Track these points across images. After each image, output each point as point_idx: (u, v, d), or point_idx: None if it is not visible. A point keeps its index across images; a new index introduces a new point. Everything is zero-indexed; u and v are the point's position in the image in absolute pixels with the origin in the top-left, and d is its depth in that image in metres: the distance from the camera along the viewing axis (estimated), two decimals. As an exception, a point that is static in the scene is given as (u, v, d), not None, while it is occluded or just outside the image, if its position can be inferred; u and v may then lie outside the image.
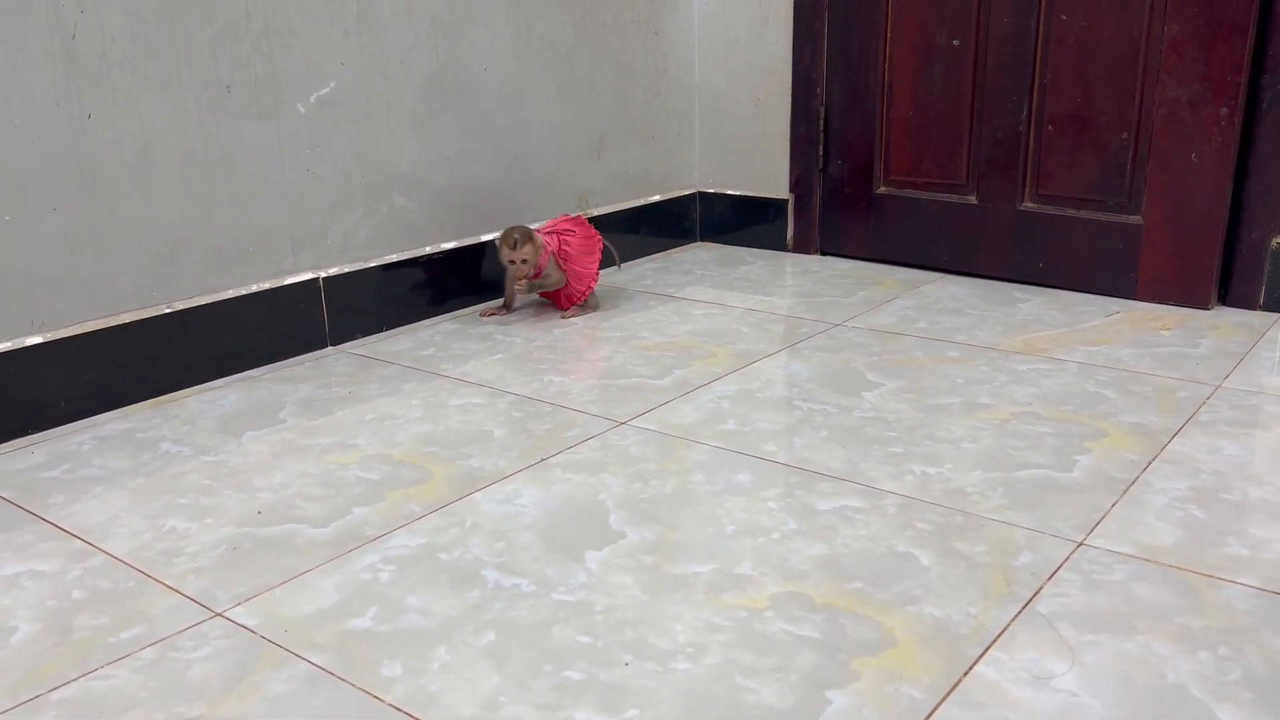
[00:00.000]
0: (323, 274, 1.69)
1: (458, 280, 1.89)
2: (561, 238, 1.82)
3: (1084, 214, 1.92)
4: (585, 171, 2.13)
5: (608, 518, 1.12)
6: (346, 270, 1.72)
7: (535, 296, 1.93)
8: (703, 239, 2.44)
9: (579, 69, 2.07)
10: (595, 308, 1.90)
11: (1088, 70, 1.86)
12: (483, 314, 1.86)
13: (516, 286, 1.81)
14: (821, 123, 2.20)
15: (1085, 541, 1.06)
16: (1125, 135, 1.84)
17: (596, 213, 2.16)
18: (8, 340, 1.35)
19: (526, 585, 0.99)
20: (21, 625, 0.95)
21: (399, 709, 0.82)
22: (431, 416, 1.41)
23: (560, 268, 1.81)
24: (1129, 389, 1.46)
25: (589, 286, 1.86)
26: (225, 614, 0.96)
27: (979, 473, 1.21)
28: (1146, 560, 1.02)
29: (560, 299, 1.88)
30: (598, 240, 1.86)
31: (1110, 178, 1.88)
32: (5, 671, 0.88)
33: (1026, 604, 0.95)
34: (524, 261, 1.75)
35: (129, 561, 1.05)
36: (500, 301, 1.91)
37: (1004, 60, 1.94)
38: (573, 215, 1.89)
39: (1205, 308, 1.81)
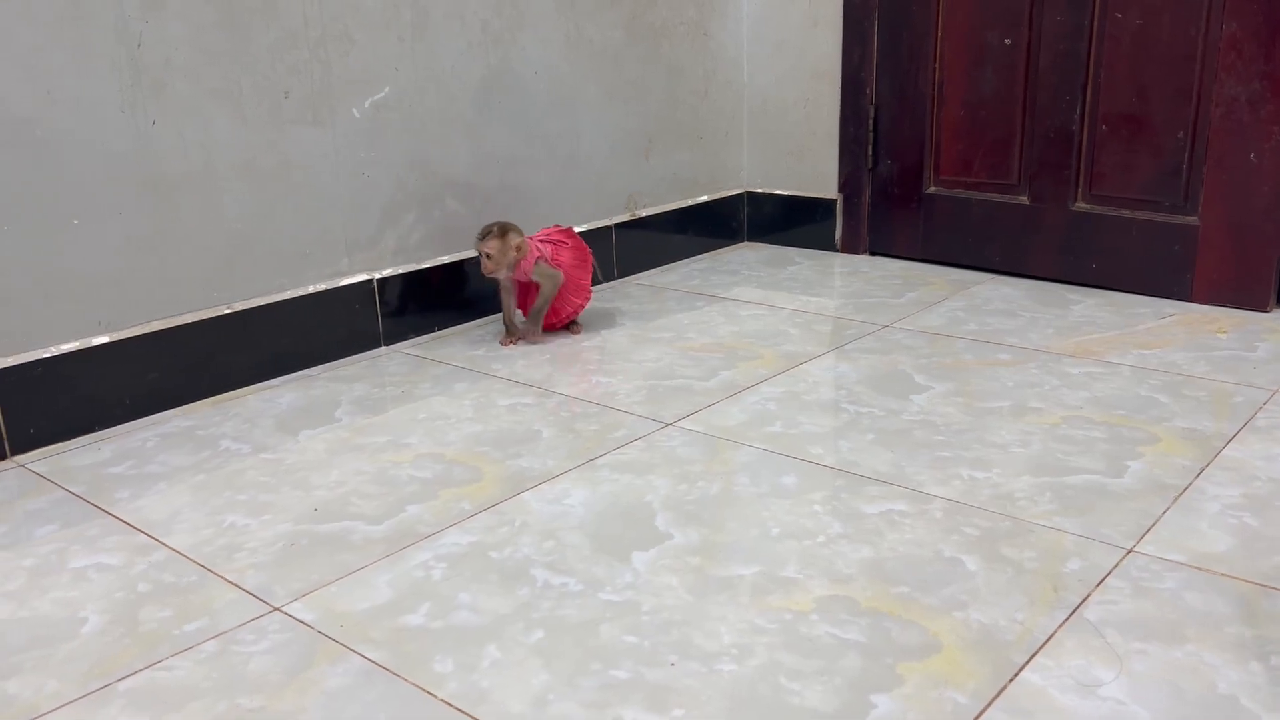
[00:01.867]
0: (377, 276, 1.72)
1: (508, 281, 1.92)
2: (555, 248, 1.74)
3: (1139, 214, 1.89)
4: (634, 173, 2.15)
5: (654, 519, 1.14)
6: (400, 272, 1.75)
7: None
8: (750, 239, 2.45)
9: (628, 72, 2.09)
10: (579, 330, 1.79)
11: (1143, 69, 1.83)
12: (501, 343, 1.75)
13: (500, 288, 1.75)
14: (871, 123, 2.19)
15: (1135, 549, 1.05)
16: (1181, 135, 1.81)
17: (645, 213, 2.18)
18: (75, 340, 1.40)
19: (574, 584, 1.01)
20: (91, 616, 0.98)
21: (451, 704, 0.84)
22: (482, 416, 1.44)
23: (551, 271, 1.71)
24: (1183, 393, 1.44)
25: (585, 301, 1.77)
26: (283, 609, 0.99)
27: (1028, 478, 1.21)
28: (1198, 568, 1.01)
29: (549, 314, 1.76)
30: (589, 254, 1.78)
31: (1166, 178, 1.85)
32: (75, 661, 0.92)
33: (1074, 611, 0.94)
34: (487, 256, 1.65)
35: (191, 556, 1.09)
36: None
37: (1057, 59, 1.92)
38: (564, 227, 1.81)
39: (1264, 310, 1.78)
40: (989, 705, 0.82)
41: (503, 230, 1.66)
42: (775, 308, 1.92)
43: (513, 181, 1.91)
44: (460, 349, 1.73)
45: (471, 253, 1.85)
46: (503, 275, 1.69)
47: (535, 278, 1.71)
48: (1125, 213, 1.91)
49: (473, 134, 1.82)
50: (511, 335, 1.76)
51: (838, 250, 2.31)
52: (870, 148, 2.20)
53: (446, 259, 1.82)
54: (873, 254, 2.28)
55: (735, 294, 2.02)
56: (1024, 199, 2.03)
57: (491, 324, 1.86)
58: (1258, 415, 1.36)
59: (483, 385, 1.56)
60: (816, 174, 2.30)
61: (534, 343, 1.73)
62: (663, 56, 2.15)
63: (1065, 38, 1.90)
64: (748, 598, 0.98)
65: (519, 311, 1.78)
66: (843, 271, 2.17)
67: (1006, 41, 1.98)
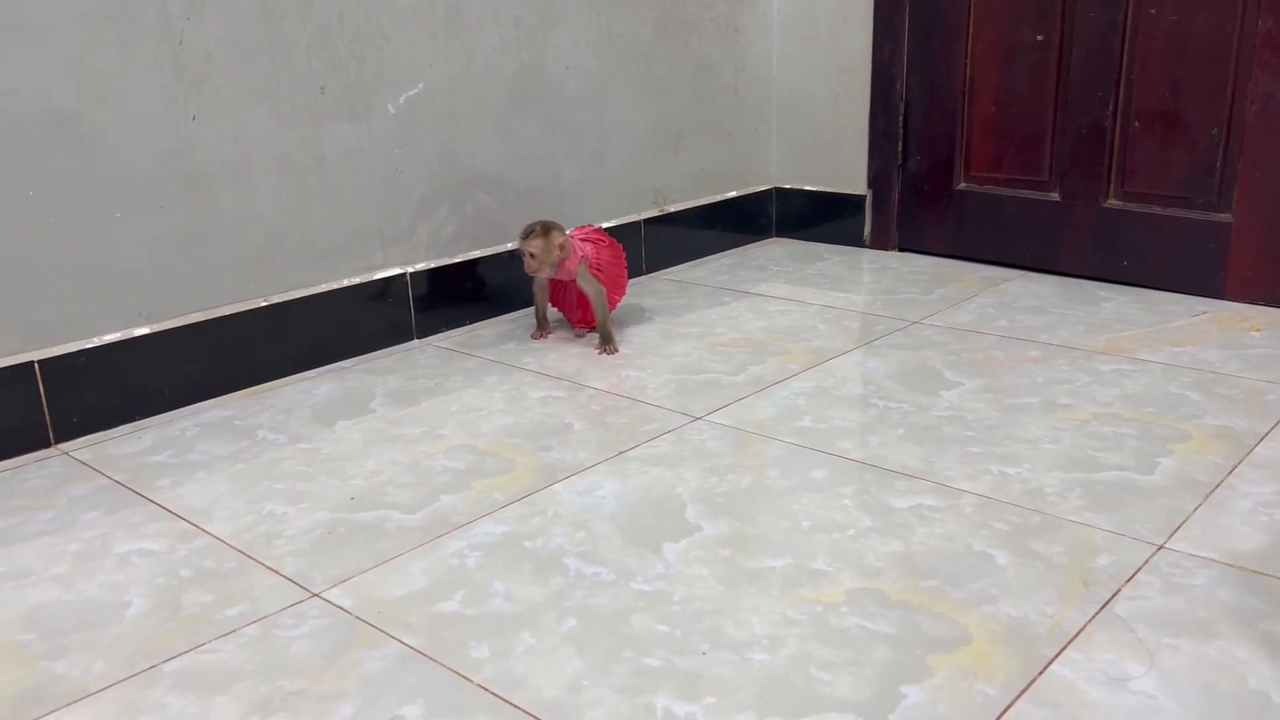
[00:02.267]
0: (410, 269, 1.74)
1: (538, 276, 1.93)
2: (594, 247, 1.73)
3: (1171, 212, 1.88)
4: (662, 169, 2.16)
5: (684, 511, 1.15)
6: (432, 266, 1.77)
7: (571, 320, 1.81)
8: (779, 235, 2.45)
9: (658, 68, 2.10)
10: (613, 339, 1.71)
11: (1177, 65, 1.82)
12: (533, 336, 1.77)
13: (534, 283, 1.74)
14: (901, 119, 2.19)
15: (1166, 545, 1.05)
16: (1215, 131, 1.80)
17: (674, 209, 2.19)
18: (118, 331, 1.43)
19: (607, 574, 1.03)
20: (135, 600, 1.01)
21: (487, 689, 0.86)
22: (513, 408, 1.45)
23: (594, 279, 1.69)
24: (1215, 391, 1.44)
25: (621, 296, 1.77)
26: (322, 595, 1.01)
27: (1058, 473, 1.21)
28: (1230, 565, 1.01)
29: (582, 309, 1.77)
30: (623, 251, 1.77)
31: (1199, 175, 1.84)
32: (121, 644, 0.94)
33: (1104, 605, 0.95)
34: (531, 255, 1.63)
35: (231, 543, 1.11)
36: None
37: (1089, 55, 1.91)
38: (595, 226, 1.80)
39: (1298, 308, 1.77)
40: (1018, 697, 0.83)
41: (546, 229, 1.64)
42: (804, 303, 1.93)
43: (543, 177, 1.92)
44: (491, 342, 1.75)
45: (503, 247, 1.87)
46: (545, 274, 1.67)
47: (580, 284, 1.69)
48: (1158, 209, 1.90)
49: (504, 130, 1.84)
50: (543, 330, 1.78)
51: (867, 246, 2.31)
52: (900, 144, 2.20)
53: (478, 253, 1.84)
54: (902, 250, 2.28)
55: (764, 289, 2.03)
56: (1055, 195, 2.02)
57: (522, 318, 1.88)
58: (1291, 413, 1.35)
59: (514, 378, 1.58)
60: (846, 170, 2.30)
61: (612, 353, 1.68)
62: (692, 52, 2.16)
63: (1098, 34, 1.89)
64: (778, 589, 0.99)
65: (557, 311, 1.80)
66: (871, 268, 2.17)
67: (1039, 38, 1.97)
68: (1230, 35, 1.75)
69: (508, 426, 1.39)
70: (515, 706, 0.84)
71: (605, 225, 2.05)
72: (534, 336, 1.77)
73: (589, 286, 1.69)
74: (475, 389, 1.54)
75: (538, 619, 0.96)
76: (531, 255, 1.64)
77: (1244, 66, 1.75)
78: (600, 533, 1.11)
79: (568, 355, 1.67)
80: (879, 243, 2.29)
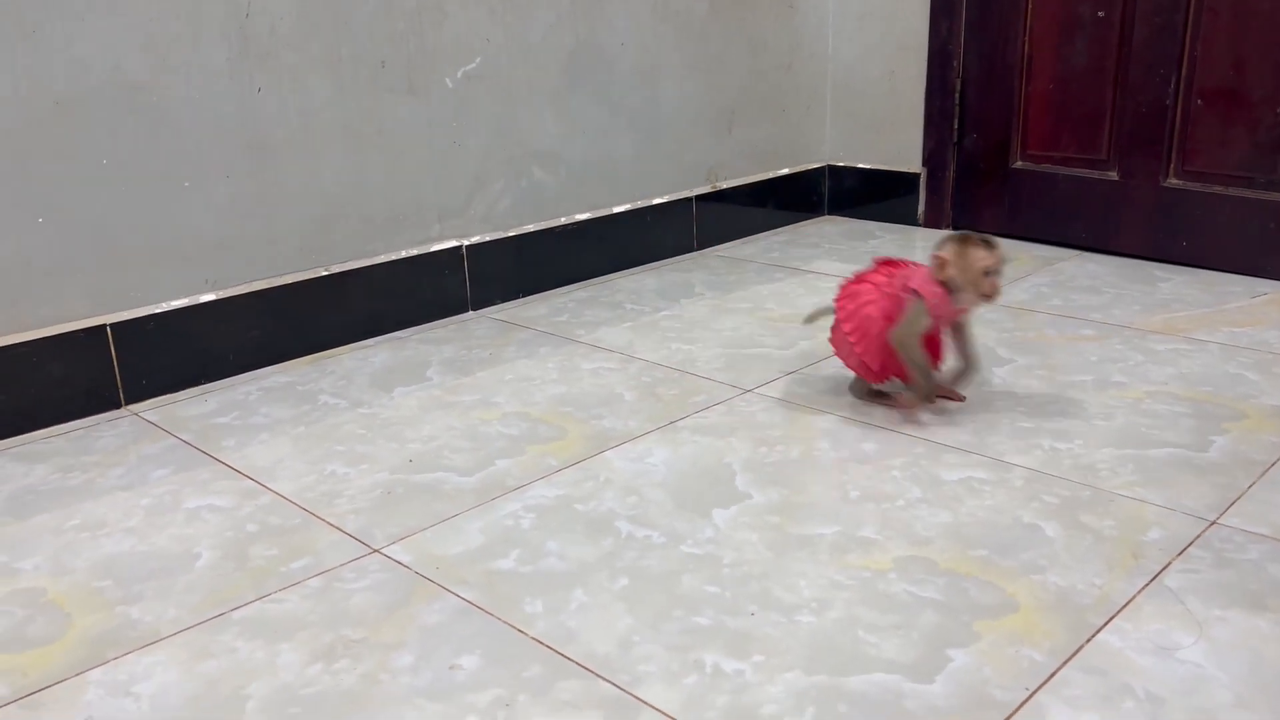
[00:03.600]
0: (465, 242, 1.77)
1: (590, 251, 1.96)
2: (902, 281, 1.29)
3: (1233, 191, 1.85)
4: (715, 146, 2.16)
5: (734, 479, 1.17)
6: (487, 239, 1.80)
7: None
8: (831, 213, 2.45)
9: (712, 44, 2.10)
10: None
11: (1241, 42, 1.78)
12: (903, 405, 1.32)
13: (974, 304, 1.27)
14: (957, 96, 2.17)
15: (1219, 520, 1.05)
16: (1279, 110, 1.77)
17: (725, 186, 2.19)
18: (185, 297, 1.47)
19: (658, 537, 1.05)
20: (204, 552, 1.05)
21: (541, 642, 0.88)
22: (566, 379, 1.48)
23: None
24: (1273, 371, 1.42)
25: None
26: (382, 550, 1.04)
27: (1110, 449, 1.21)
28: (1283, 541, 1.00)
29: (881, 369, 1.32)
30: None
31: (1262, 154, 1.80)
32: (192, 592, 0.98)
33: (1154, 578, 0.95)
34: (995, 275, 1.24)
35: (295, 500, 1.15)
36: (920, 389, 1.30)
37: (1152, 32, 1.88)
38: (883, 258, 1.34)
39: (1363, 290, 1.73)
40: (1065, 663, 0.84)
41: (964, 241, 1.25)
42: (855, 281, 1.92)
43: (598, 152, 1.94)
44: (544, 314, 1.78)
45: (555, 221, 1.89)
46: (967, 304, 1.28)
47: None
48: (1219, 189, 1.87)
49: (559, 104, 1.86)
50: (940, 391, 1.34)
51: (920, 225, 2.30)
52: (956, 121, 2.19)
53: (532, 227, 1.86)
54: (956, 229, 2.26)
55: (815, 267, 2.03)
56: (1113, 175, 2.00)
57: (575, 291, 1.90)
58: (1352, 395, 1.33)
59: (565, 350, 1.60)
60: (900, 148, 2.29)
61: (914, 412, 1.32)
62: (746, 29, 2.16)
63: (1161, 10, 1.86)
64: (827, 555, 1.01)
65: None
66: (925, 246, 2.16)
67: (1100, 14, 1.94)
68: (1299, 11, 1.72)
69: (560, 395, 1.42)
70: (569, 659, 0.86)
71: (657, 201, 2.06)
72: (904, 405, 1.32)
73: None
74: (529, 359, 1.56)
75: (590, 577, 0.98)
76: (993, 275, 1.24)
77: (1312, 43, 1.71)
78: (651, 498, 1.13)
79: (619, 329, 1.69)
80: (933, 221, 2.28)
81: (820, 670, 0.84)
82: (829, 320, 1.36)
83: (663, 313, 1.77)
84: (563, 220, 1.90)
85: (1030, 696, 0.80)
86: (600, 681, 0.83)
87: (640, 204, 2.03)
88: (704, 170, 2.15)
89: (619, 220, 1.99)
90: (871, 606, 0.92)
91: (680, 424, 1.32)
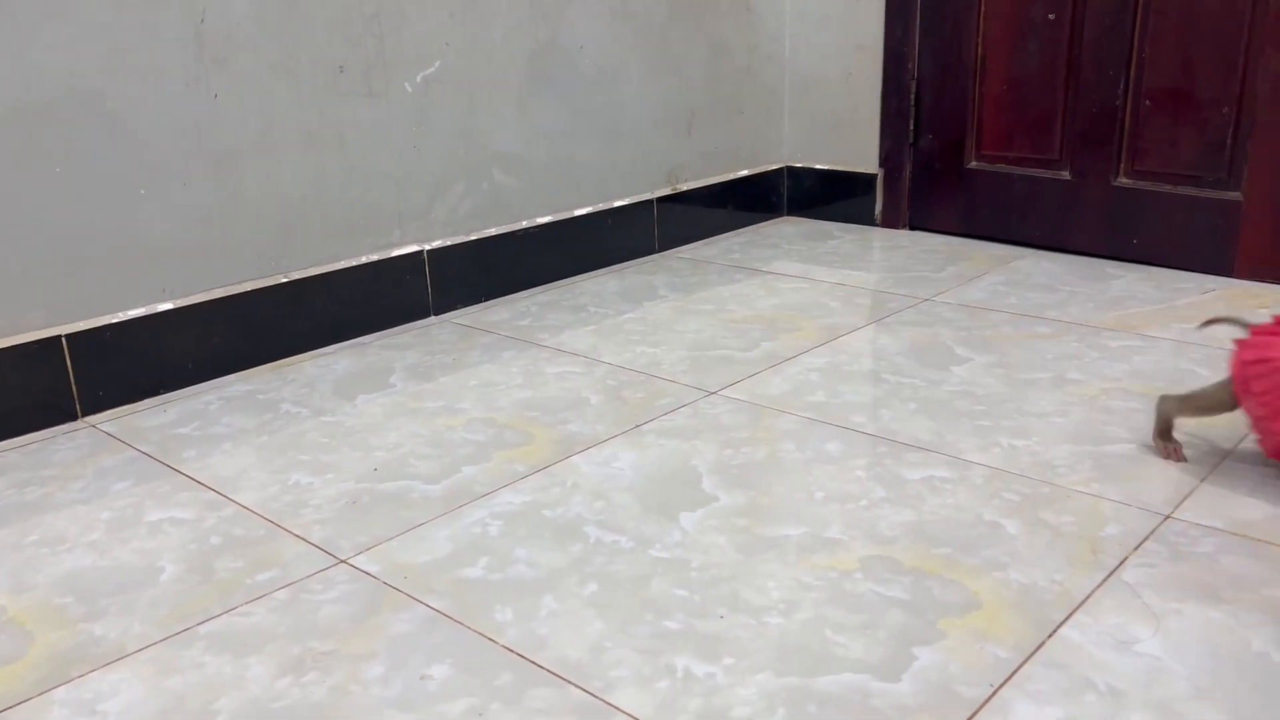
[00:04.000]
0: (427, 247, 1.76)
1: (553, 254, 1.96)
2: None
3: (1182, 190, 1.89)
4: (676, 147, 2.17)
5: (701, 482, 1.18)
6: (449, 243, 1.79)
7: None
8: (790, 214, 2.47)
9: (672, 46, 2.11)
10: None
11: (1189, 43, 1.83)
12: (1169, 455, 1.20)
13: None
14: (913, 97, 2.20)
15: (1173, 515, 1.07)
16: (1227, 110, 1.81)
17: (686, 187, 2.20)
18: (142, 306, 1.45)
19: (626, 542, 1.05)
20: (168, 565, 1.04)
21: (512, 650, 0.89)
22: (531, 383, 1.48)
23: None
24: (1223, 366, 1.45)
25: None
26: (349, 561, 1.04)
27: (1068, 446, 1.23)
28: (1235, 534, 1.03)
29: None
30: None
31: (1210, 153, 1.85)
32: (156, 606, 0.97)
33: (1112, 572, 0.97)
34: None
35: (259, 511, 1.14)
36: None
37: (1102, 33, 1.92)
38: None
39: (1306, 286, 1.78)
40: (1028, 659, 0.85)
41: None
42: (816, 281, 1.94)
43: (559, 155, 1.94)
44: (506, 318, 1.77)
45: (517, 225, 1.89)
46: None
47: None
48: (1168, 188, 1.91)
49: (520, 108, 1.86)
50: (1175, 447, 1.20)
51: (878, 225, 2.32)
52: (912, 122, 2.21)
53: (494, 231, 1.86)
54: (913, 229, 2.29)
55: (776, 268, 2.04)
56: (1066, 174, 2.03)
57: (538, 294, 1.90)
58: (1298, 388, 1.37)
59: (530, 354, 1.60)
60: (858, 149, 2.32)
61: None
62: (705, 31, 2.17)
63: (1110, 12, 1.90)
64: (794, 556, 1.02)
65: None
66: (883, 246, 2.19)
67: (1050, 16, 1.98)
68: (1242, 13, 1.76)
69: (526, 400, 1.42)
70: (540, 666, 0.86)
71: (619, 203, 2.07)
72: (1171, 455, 1.20)
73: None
74: (493, 364, 1.56)
75: (560, 584, 0.98)
76: None
77: (1256, 44, 1.76)
78: (619, 502, 1.13)
79: (582, 332, 1.70)
80: (890, 221, 2.30)
81: (790, 672, 0.85)
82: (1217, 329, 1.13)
83: (626, 315, 1.77)
84: (524, 223, 1.90)
85: (995, 692, 0.81)
86: (572, 688, 0.84)
87: (602, 206, 2.03)
88: (665, 172, 2.16)
89: (581, 223, 1.99)
90: (839, 607, 0.93)
91: (646, 427, 1.32)
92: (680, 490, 1.16)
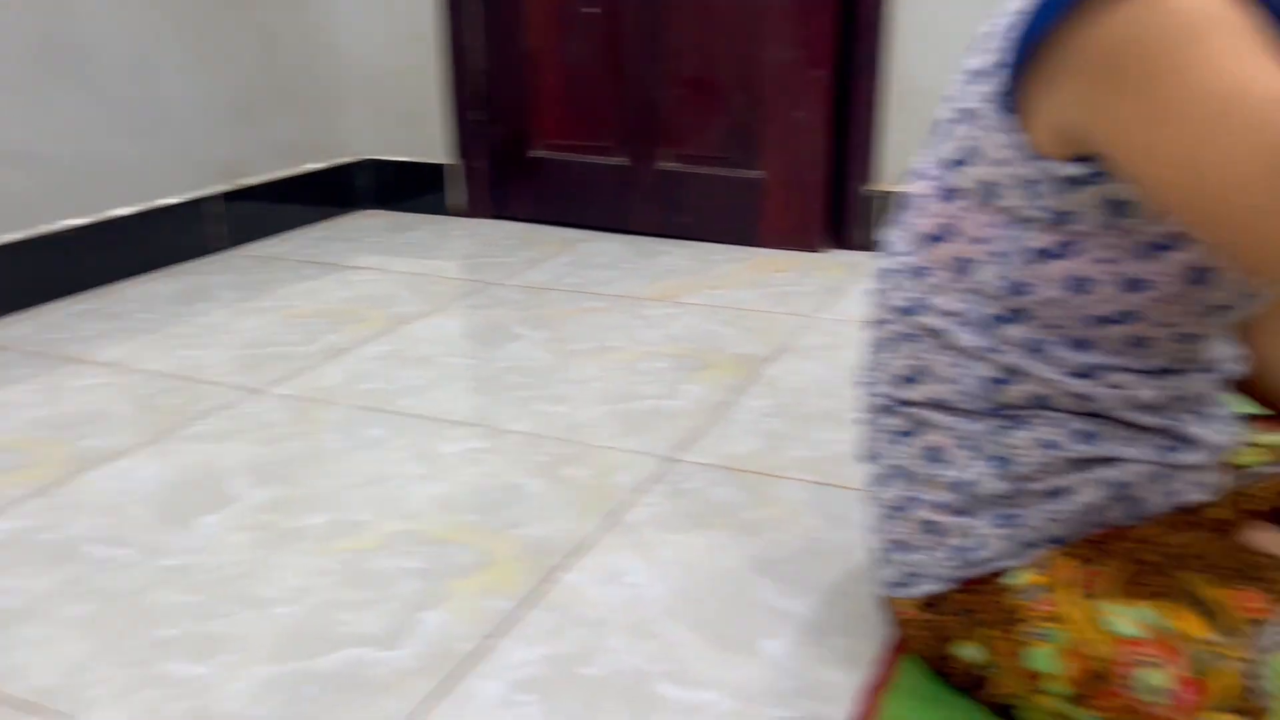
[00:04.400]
0: (-81, 258, 1.54)
1: (88, 259, 1.79)
2: None
3: (716, 171, 2.09)
4: (232, 142, 2.06)
5: (228, 483, 1.13)
6: (-51, 253, 1.58)
7: None
8: (370, 207, 2.43)
9: (219, 37, 1.99)
10: None
11: (709, 36, 2.01)
12: None
13: None
14: (479, 88, 2.24)
15: (678, 457, 1.18)
16: (744, 96, 2.02)
17: (251, 183, 2.10)
18: None
19: (131, 555, 0.98)
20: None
21: (-28, 689, 0.80)
22: (49, 401, 1.34)
23: None
24: (742, 325, 1.62)
25: None
26: None
27: (600, 407, 1.32)
28: (726, 468, 1.15)
29: None
30: None
31: (735, 137, 2.05)
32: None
33: (616, 516, 1.05)
34: None
35: None
36: None
37: (639, 27, 2.07)
38: None
39: (814, 250, 2.03)
40: (528, 606, 0.90)
41: None
42: (391, 272, 1.93)
43: (85, 152, 1.77)
44: (29, 333, 1.59)
45: (36, 230, 1.71)
46: None
47: None
48: (704, 170, 2.10)
49: (34, 100, 1.67)
50: None
51: (458, 215, 2.35)
52: (481, 113, 2.26)
53: (6, 238, 1.66)
54: (492, 217, 2.34)
55: (351, 261, 2.01)
56: (621, 160, 2.17)
57: (73, 304, 1.72)
58: (797, 337, 1.56)
59: (53, 370, 1.45)
60: (433, 140, 2.33)
61: None
62: (255, 21, 2.08)
63: (643, 7, 2.05)
64: (314, 544, 1.00)
65: None
66: (460, 235, 2.22)
67: (591, 10, 2.10)
68: (751, 6, 1.97)
69: (38, 419, 1.28)
70: (12, 695, 0.78)
71: (168, 202, 1.93)
72: None
73: None
74: (4, 386, 1.40)
75: (44, 609, 0.90)
76: None
77: (763, 36, 1.97)
78: (132, 515, 1.06)
79: (121, 340, 1.56)
80: (470, 211, 2.34)
81: (290, 658, 0.83)
82: None
83: (175, 320, 1.66)
84: (45, 228, 1.71)
85: (486, 641, 0.85)
86: (44, 712, 0.77)
87: (146, 205, 1.88)
88: (220, 167, 2.05)
89: (121, 224, 1.84)
90: (352, 587, 0.93)
91: (178, 434, 1.25)
92: (203, 495, 1.10)
